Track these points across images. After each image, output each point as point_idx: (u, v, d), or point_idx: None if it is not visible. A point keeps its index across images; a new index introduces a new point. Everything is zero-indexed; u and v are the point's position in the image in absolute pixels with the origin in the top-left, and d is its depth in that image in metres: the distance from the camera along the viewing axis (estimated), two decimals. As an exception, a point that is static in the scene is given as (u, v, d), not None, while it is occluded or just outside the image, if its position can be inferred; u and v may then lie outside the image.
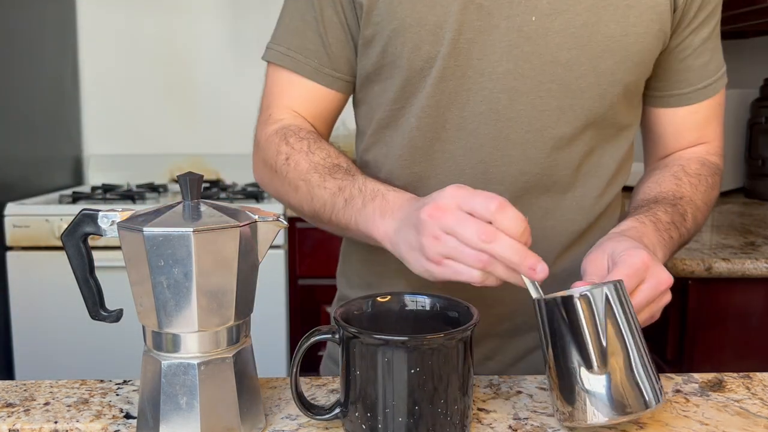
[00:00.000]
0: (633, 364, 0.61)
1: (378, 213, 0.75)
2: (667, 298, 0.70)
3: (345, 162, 0.84)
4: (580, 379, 0.61)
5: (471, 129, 0.83)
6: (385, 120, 0.88)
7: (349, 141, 2.26)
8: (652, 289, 0.68)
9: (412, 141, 0.86)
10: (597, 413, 0.61)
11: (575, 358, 0.61)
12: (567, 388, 0.62)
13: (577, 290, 0.62)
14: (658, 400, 0.61)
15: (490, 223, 0.64)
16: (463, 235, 0.64)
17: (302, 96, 0.91)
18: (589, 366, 0.61)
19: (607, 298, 0.61)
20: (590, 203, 0.89)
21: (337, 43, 0.88)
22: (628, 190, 0.98)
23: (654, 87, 0.92)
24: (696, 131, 0.94)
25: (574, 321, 0.61)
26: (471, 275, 0.66)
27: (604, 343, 0.60)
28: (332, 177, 0.81)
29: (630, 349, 0.61)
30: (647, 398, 0.61)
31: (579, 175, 0.87)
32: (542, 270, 0.63)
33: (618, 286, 0.62)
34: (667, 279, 0.68)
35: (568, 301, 0.61)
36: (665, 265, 0.75)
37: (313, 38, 0.89)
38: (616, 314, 0.61)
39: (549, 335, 0.63)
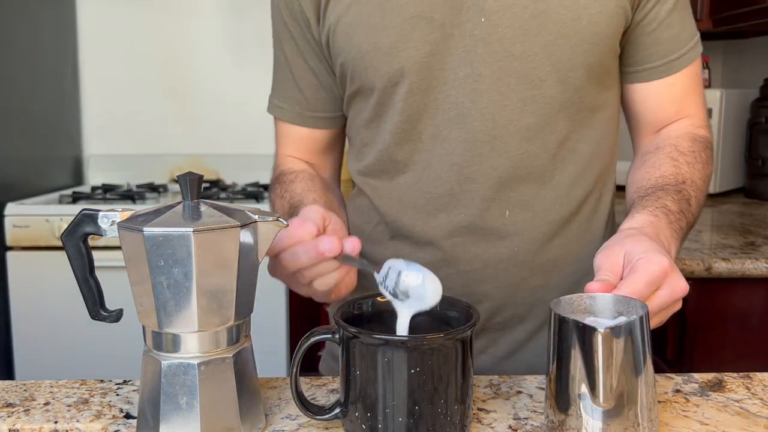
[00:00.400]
0: (638, 403, 0.60)
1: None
2: (678, 305, 0.70)
3: (299, 199, 0.90)
4: (581, 405, 0.60)
5: (444, 136, 0.86)
6: (366, 139, 0.92)
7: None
8: (667, 297, 0.67)
9: (391, 156, 0.89)
10: None
11: (582, 385, 0.60)
12: (562, 404, 0.61)
13: (600, 322, 0.60)
14: None
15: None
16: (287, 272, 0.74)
17: (294, 140, 1.00)
18: (593, 397, 0.59)
19: (629, 334, 0.59)
20: (568, 191, 0.89)
21: (310, 88, 0.95)
22: (621, 189, 0.97)
23: (627, 63, 0.92)
24: (675, 104, 0.94)
25: (590, 352, 0.59)
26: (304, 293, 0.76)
27: (615, 381, 0.59)
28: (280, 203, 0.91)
29: (639, 389, 0.60)
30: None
31: (555, 163, 0.87)
32: (329, 247, 0.68)
33: (642, 320, 0.60)
34: (683, 288, 0.68)
35: (589, 331, 0.59)
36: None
37: (291, 87, 0.97)
38: (634, 351, 0.59)
39: (557, 351, 0.61)
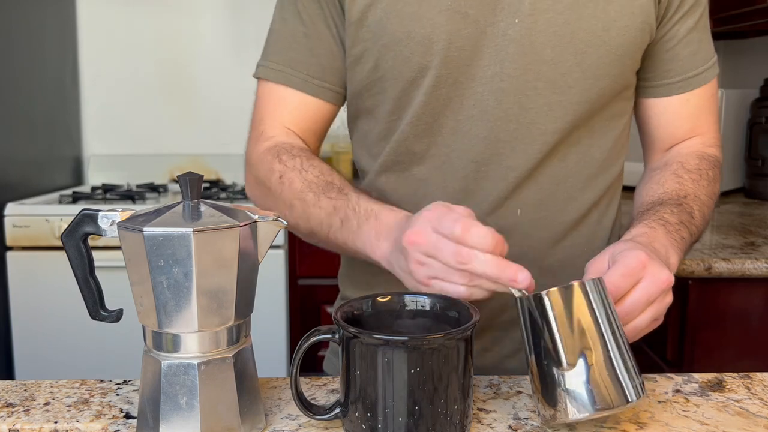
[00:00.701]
0: (612, 360, 0.61)
1: (373, 235, 0.77)
2: (669, 298, 0.70)
3: (338, 180, 0.86)
4: (558, 377, 0.61)
5: (464, 131, 0.86)
6: (383, 132, 0.91)
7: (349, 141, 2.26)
8: (650, 287, 0.68)
9: (409, 147, 0.89)
10: (578, 410, 0.60)
11: (551, 355, 0.61)
12: (547, 388, 0.62)
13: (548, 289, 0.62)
14: (639, 395, 0.61)
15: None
16: (444, 258, 0.67)
17: (292, 109, 0.93)
18: (564, 362, 0.61)
19: (580, 294, 0.61)
20: (580, 194, 0.90)
21: (327, 55, 0.90)
22: (629, 190, 0.98)
23: (644, 77, 0.93)
24: (689, 122, 0.95)
25: (546, 318, 0.61)
26: (458, 292, 0.68)
27: (578, 339, 0.60)
28: (326, 196, 0.83)
29: (608, 345, 0.61)
30: (628, 393, 0.61)
31: (568, 166, 0.88)
32: (524, 279, 0.64)
33: (594, 283, 0.62)
34: (666, 278, 0.68)
35: (538, 299, 0.61)
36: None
37: (302, 51, 0.90)
38: (592, 310, 0.61)
39: (527, 334, 0.63)
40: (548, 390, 0.62)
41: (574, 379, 0.60)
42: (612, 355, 0.61)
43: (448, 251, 0.66)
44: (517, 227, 0.88)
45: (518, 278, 0.64)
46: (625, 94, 0.91)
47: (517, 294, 0.64)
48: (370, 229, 0.78)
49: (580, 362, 0.60)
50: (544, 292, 0.61)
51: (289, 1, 0.92)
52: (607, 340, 0.61)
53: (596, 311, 0.61)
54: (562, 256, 0.90)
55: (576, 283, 0.62)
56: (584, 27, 0.83)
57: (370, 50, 0.86)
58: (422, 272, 0.69)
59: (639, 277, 0.68)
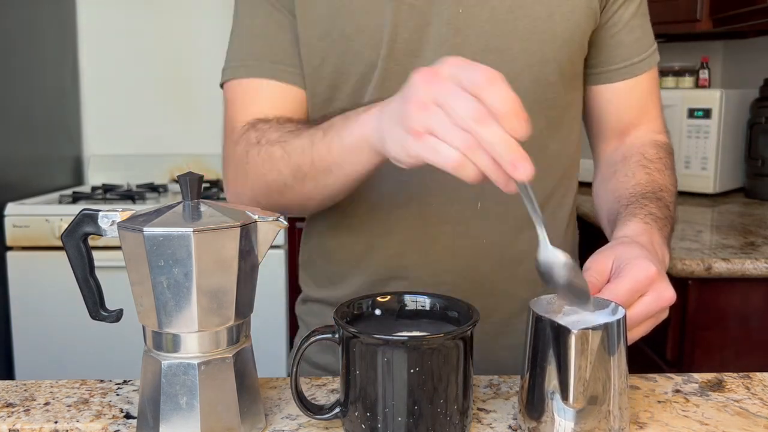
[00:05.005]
0: (609, 401, 0.60)
1: (363, 112, 0.72)
2: (665, 315, 0.70)
3: (311, 122, 0.83)
4: (552, 404, 0.60)
5: None
6: None
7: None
8: (652, 304, 0.67)
9: None
10: None
11: (553, 385, 0.60)
12: (535, 407, 0.62)
13: (575, 323, 0.60)
14: None
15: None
16: (454, 110, 0.57)
17: (264, 99, 0.90)
18: (565, 398, 0.60)
19: (602, 339, 0.59)
20: (537, 186, 0.89)
21: (288, 42, 0.88)
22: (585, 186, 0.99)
23: (591, 65, 0.94)
24: (636, 107, 0.96)
25: (563, 353, 0.59)
26: (449, 156, 0.58)
27: (587, 382, 0.59)
28: (307, 128, 0.80)
29: (612, 392, 0.60)
30: None
31: (531, 161, 0.87)
32: (525, 170, 0.57)
33: (618, 323, 0.60)
34: (670, 297, 0.68)
35: (563, 331, 0.59)
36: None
37: (263, 44, 0.89)
38: (608, 355, 0.60)
39: (532, 349, 0.62)
40: (536, 408, 0.62)
41: (567, 414, 0.60)
42: (611, 401, 0.60)
43: (465, 104, 0.56)
44: (477, 219, 0.88)
45: (519, 166, 0.56)
46: (574, 84, 0.92)
47: (504, 189, 0.58)
48: (359, 112, 0.72)
49: (581, 402, 0.60)
50: (573, 330, 0.58)
51: (243, 5, 0.91)
52: (612, 387, 0.60)
53: (612, 357, 0.60)
54: (521, 248, 0.90)
55: (603, 327, 0.59)
56: (528, 14, 0.83)
57: (328, 51, 0.86)
58: (421, 119, 0.59)
59: (644, 291, 0.67)
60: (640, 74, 0.94)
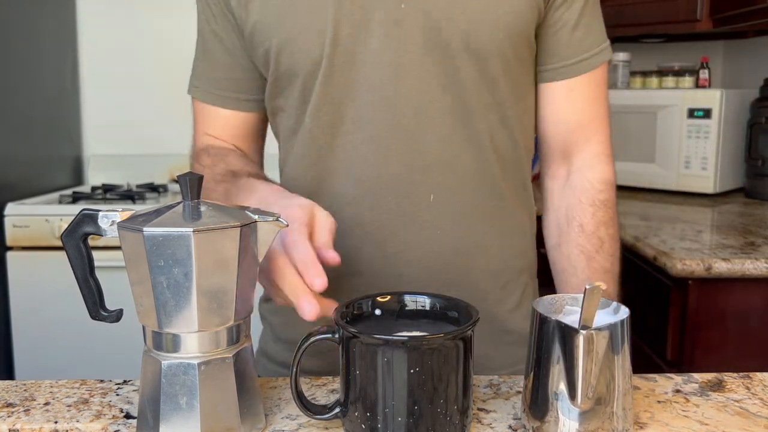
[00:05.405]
0: (614, 401, 0.60)
1: (244, 194, 0.79)
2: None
3: (241, 168, 0.88)
4: (557, 406, 0.60)
5: (367, 119, 0.86)
6: (293, 127, 0.91)
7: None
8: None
9: (314, 140, 0.89)
10: None
11: (560, 386, 0.60)
12: (539, 407, 0.62)
13: (578, 325, 0.60)
14: None
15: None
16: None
17: (214, 122, 0.97)
18: (571, 398, 0.60)
19: (608, 339, 0.59)
20: (493, 179, 0.90)
21: (222, 67, 0.94)
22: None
23: (536, 62, 0.93)
24: (575, 114, 0.94)
25: (570, 353, 0.59)
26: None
27: (593, 383, 0.59)
28: (223, 182, 0.86)
29: (617, 392, 0.60)
30: None
31: (479, 152, 0.88)
32: (309, 311, 0.65)
33: (622, 323, 0.61)
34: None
35: (569, 332, 0.59)
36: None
37: (204, 66, 0.95)
38: (613, 356, 0.60)
39: (536, 351, 0.62)
40: (540, 409, 0.62)
41: (572, 413, 0.60)
42: (616, 401, 0.61)
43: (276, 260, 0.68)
44: (430, 211, 0.88)
45: (304, 309, 0.65)
46: (523, 79, 0.90)
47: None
48: (240, 191, 0.80)
49: (587, 404, 0.60)
50: (582, 332, 0.59)
51: (199, 18, 0.95)
52: (616, 393, 0.60)
53: (616, 360, 0.60)
54: (477, 239, 0.90)
55: (608, 326, 0.60)
56: (469, 7, 0.83)
57: (270, 51, 0.87)
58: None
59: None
60: (579, 75, 0.92)
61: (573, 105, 0.94)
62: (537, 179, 1.01)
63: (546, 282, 1.00)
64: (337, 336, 0.62)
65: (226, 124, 0.97)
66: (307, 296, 0.66)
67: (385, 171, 0.87)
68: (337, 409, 0.64)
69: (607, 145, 0.96)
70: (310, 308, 0.65)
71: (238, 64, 0.93)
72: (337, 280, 0.90)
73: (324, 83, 0.85)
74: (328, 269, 0.74)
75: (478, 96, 0.86)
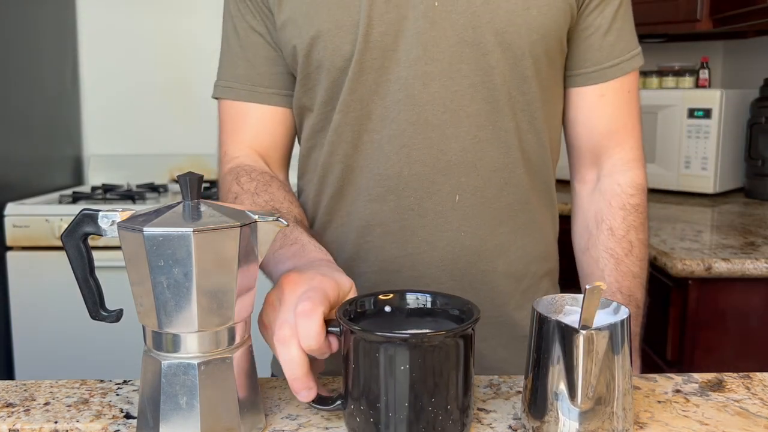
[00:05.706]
0: (615, 401, 0.60)
1: (288, 257, 0.76)
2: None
3: (285, 209, 0.87)
4: (557, 406, 0.60)
5: (393, 116, 0.86)
6: (319, 124, 0.91)
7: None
8: None
9: (340, 136, 0.89)
10: None
11: (560, 386, 0.60)
12: (539, 407, 0.62)
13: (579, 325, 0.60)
14: None
15: None
16: (273, 325, 0.65)
17: (250, 124, 0.95)
18: (571, 398, 0.60)
19: (608, 339, 0.59)
20: (518, 180, 0.90)
21: (264, 62, 0.93)
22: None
23: (566, 67, 0.93)
24: (606, 119, 0.94)
25: (570, 353, 0.59)
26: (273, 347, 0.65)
27: (593, 383, 0.59)
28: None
29: (617, 392, 0.60)
30: None
31: (506, 152, 0.88)
32: (304, 397, 0.63)
33: (623, 324, 0.60)
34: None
35: (570, 332, 0.59)
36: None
37: (242, 64, 0.94)
38: (613, 356, 0.60)
39: (536, 351, 0.62)
40: (540, 409, 0.62)
41: (572, 413, 0.60)
42: (616, 402, 0.61)
43: (278, 324, 0.64)
44: (455, 212, 0.88)
45: (300, 393, 0.62)
46: (553, 82, 0.91)
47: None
48: (287, 251, 0.77)
49: (587, 403, 0.60)
50: (582, 332, 0.59)
51: (226, 16, 0.95)
52: (617, 393, 0.60)
53: (616, 360, 0.60)
54: (500, 241, 0.90)
55: (608, 326, 0.59)
56: (504, 6, 0.83)
57: (299, 46, 0.87)
58: (267, 317, 0.68)
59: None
60: (611, 80, 0.92)
61: (604, 110, 0.94)
62: None
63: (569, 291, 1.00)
64: (339, 332, 0.62)
65: (260, 124, 0.95)
66: (305, 382, 0.62)
67: (407, 170, 0.87)
68: (339, 402, 0.64)
69: (639, 151, 0.97)
70: (306, 394, 0.63)
71: (281, 58, 0.92)
72: (356, 278, 0.91)
73: (353, 80, 0.85)
74: (347, 264, 0.72)
75: (509, 96, 0.86)
